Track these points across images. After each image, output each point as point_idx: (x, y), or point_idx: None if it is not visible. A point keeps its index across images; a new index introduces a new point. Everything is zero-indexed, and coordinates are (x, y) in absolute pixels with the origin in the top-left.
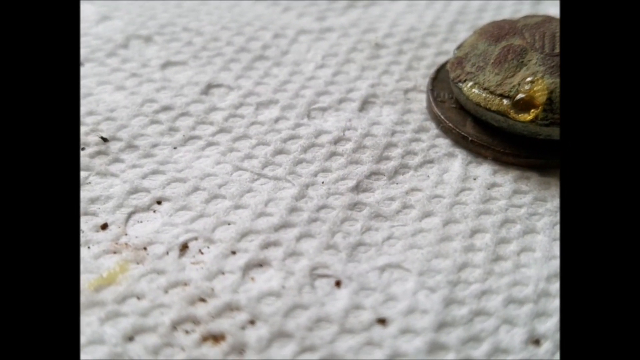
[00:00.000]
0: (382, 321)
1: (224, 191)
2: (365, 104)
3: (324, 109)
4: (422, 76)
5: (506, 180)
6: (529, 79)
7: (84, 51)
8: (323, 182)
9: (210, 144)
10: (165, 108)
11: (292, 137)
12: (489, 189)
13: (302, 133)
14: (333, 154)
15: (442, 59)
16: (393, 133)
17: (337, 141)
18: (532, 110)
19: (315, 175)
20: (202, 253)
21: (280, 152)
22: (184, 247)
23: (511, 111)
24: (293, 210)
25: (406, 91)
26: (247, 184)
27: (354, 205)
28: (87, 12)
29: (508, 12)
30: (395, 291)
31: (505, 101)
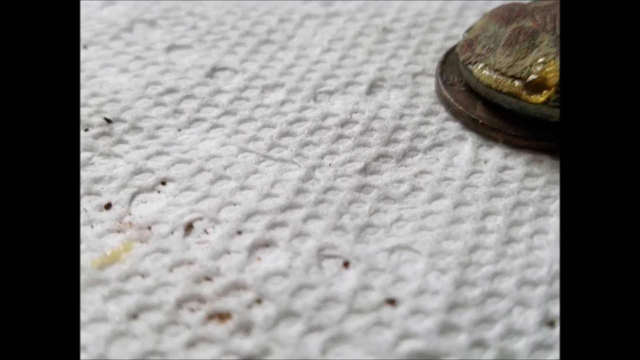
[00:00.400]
0: (391, 302)
1: (229, 172)
2: (372, 88)
3: (330, 92)
4: (430, 60)
5: (518, 163)
6: (541, 59)
7: (87, 34)
8: (330, 164)
9: (215, 126)
10: (170, 90)
11: (298, 120)
12: (500, 172)
13: (308, 116)
14: (340, 137)
15: (450, 44)
16: (401, 116)
17: (344, 124)
18: (545, 92)
19: (322, 157)
20: (207, 233)
21: (286, 134)
22: (189, 227)
23: (523, 92)
24: (299, 191)
25: (414, 75)
26: (252, 165)
27: (362, 187)
28: None
29: None
30: (404, 272)
31: (516, 83)
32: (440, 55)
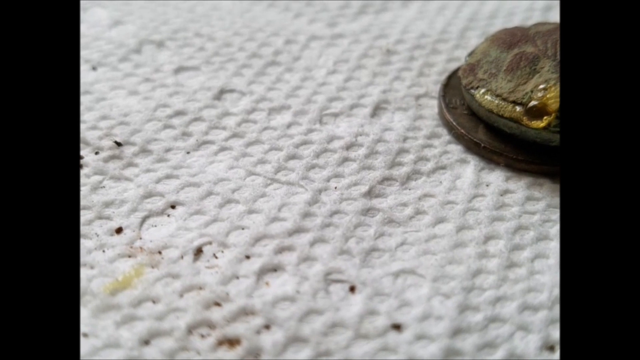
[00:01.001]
0: (397, 327)
1: (238, 196)
2: (376, 110)
3: (335, 115)
4: (433, 82)
5: (519, 186)
6: (542, 86)
7: (96, 55)
8: (336, 187)
9: (223, 149)
10: (179, 113)
11: (305, 143)
12: (501, 195)
13: (314, 138)
14: (345, 160)
15: (453, 66)
16: (405, 139)
17: (349, 147)
18: (545, 118)
19: (328, 180)
20: (216, 257)
21: (292, 157)
22: (199, 252)
23: (524, 118)
24: (306, 215)
25: (418, 97)
26: (260, 188)
27: (367, 211)
28: (100, 16)
29: (518, 19)
30: (409, 297)
31: (518, 108)
32: (443, 77)
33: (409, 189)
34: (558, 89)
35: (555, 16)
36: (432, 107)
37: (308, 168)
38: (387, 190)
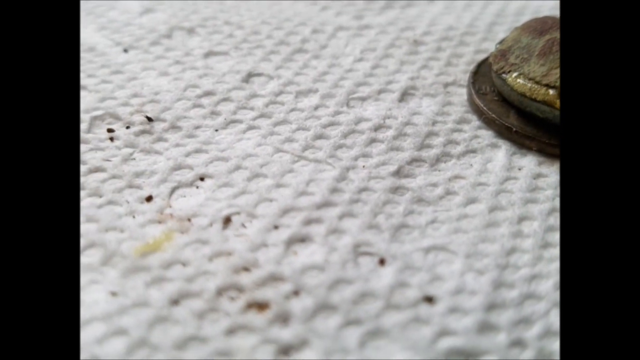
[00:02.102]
0: (429, 299)
1: (266, 170)
2: (404, 95)
3: (363, 99)
4: (462, 72)
5: (552, 171)
6: None
7: (128, 39)
8: (364, 166)
9: (251, 128)
10: (208, 93)
11: (332, 124)
12: (534, 179)
13: (341, 120)
14: (373, 141)
15: (481, 56)
16: (434, 123)
17: (377, 128)
18: None
19: (356, 159)
20: (244, 227)
21: (320, 136)
22: (227, 221)
23: (557, 101)
24: (334, 190)
25: (446, 85)
26: (288, 164)
27: (396, 189)
28: (131, 5)
29: (545, 13)
30: (441, 272)
31: (551, 91)
32: (471, 67)
33: (439, 170)
34: None
35: None
36: (461, 94)
37: (336, 147)
38: (416, 170)
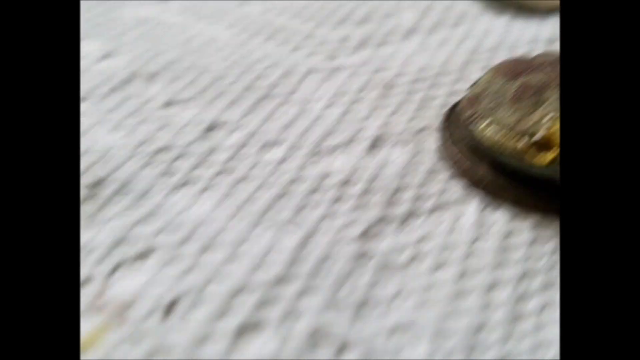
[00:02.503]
0: None
1: (220, 240)
2: (375, 144)
3: (332, 149)
4: (434, 116)
5: (525, 227)
6: (548, 117)
7: (84, 88)
8: (328, 229)
9: (209, 187)
10: (164, 148)
11: (298, 179)
12: (506, 237)
13: (308, 175)
14: (340, 198)
15: (454, 99)
16: (404, 175)
17: (344, 183)
18: (551, 152)
19: (321, 220)
20: (189, 315)
21: (283, 195)
22: (170, 307)
23: (528, 152)
24: (295, 261)
25: (418, 131)
26: (246, 231)
27: (361, 256)
28: (91, 47)
29: (522, 51)
30: (406, 356)
31: (522, 141)
32: (444, 110)
33: (408, 230)
34: None
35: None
36: (433, 141)
37: (299, 208)
38: (384, 231)
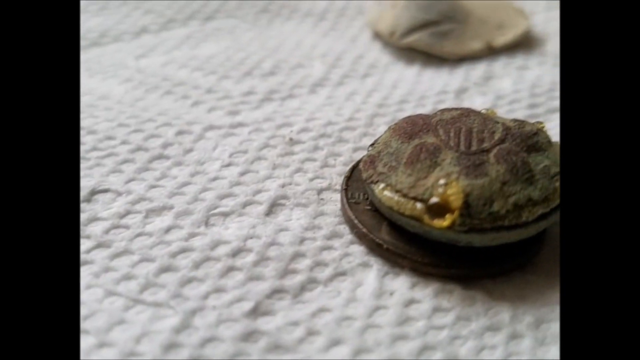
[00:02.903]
0: None
1: (89, 325)
2: (273, 207)
3: (225, 214)
4: (337, 174)
5: (425, 295)
6: (442, 181)
7: None
8: (214, 306)
9: (83, 264)
10: None
11: (184, 250)
12: (406, 306)
13: (195, 245)
14: (230, 269)
15: (359, 155)
16: (302, 241)
17: (236, 253)
18: (448, 215)
19: (206, 297)
20: None
21: (166, 269)
22: None
23: (425, 216)
24: (171, 346)
25: (320, 191)
26: (118, 313)
27: (249, 335)
28: None
29: (431, 102)
30: None
31: (418, 205)
32: (348, 168)
33: (302, 303)
34: (460, 183)
35: (469, 99)
36: (335, 201)
37: (183, 283)
38: (276, 305)
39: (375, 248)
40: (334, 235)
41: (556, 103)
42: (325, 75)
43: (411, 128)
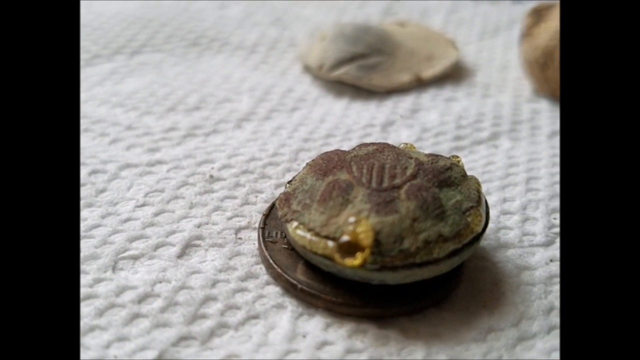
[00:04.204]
0: None
1: None
2: (187, 249)
3: (135, 258)
4: (258, 212)
5: (339, 336)
6: (352, 218)
7: None
8: (116, 356)
9: None
10: None
11: (87, 298)
12: (318, 349)
13: (100, 291)
14: (135, 316)
15: (280, 192)
16: (214, 283)
17: (142, 299)
18: (359, 254)
19: (108, 346)
20: None
21: None
22: None
23: (337, 255)
24: None
25: (238, 230)
26: None
27: None
28: None
29: (357, 136)
30: None
31: (330, 244)
32: (267, 206)
33: (211, 349)
34: (370, 221)
35: (395, 133)
36: (253, 240)
37: (85, 332)
38: (182, 353)
39: (290, 289)
40: (249, 276)
41: (482, 134)
42: (252, 109)
43: (326, 164)
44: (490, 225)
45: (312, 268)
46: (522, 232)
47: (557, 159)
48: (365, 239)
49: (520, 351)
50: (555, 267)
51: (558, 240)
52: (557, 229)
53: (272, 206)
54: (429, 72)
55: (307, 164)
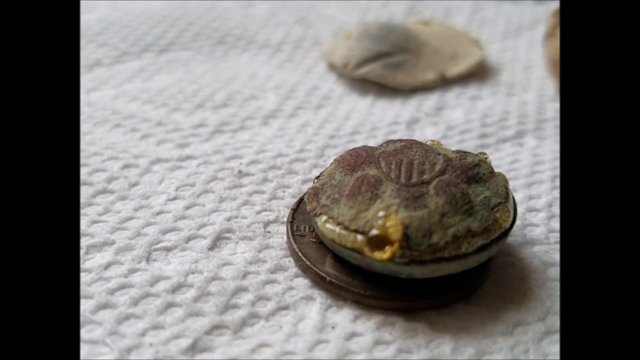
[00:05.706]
0: None
1: None
2: (217, 241)
3: (167, 249)
4: (285, 206)
5: (367, 327)
6: (381, 213)
7: None
8: (151, 344)
9: None
10: None
11: (123, 287)
12: (347, 340)
13: (135, 281)
14: (169, 305)
15: (308, 187)
16: (245, 275)
17: (176, 289)
18: (388, 248)
19: (143, 334)
20: None
21: (104, 306)
22: None
23: (366, 249)
24: None
25: (267, 224)
26: None
27: None
28: None
29: (382, 133)
30: None
31: (359, 237)
32: (295, 201)
33: (243, 338)
34: (400, 215)
35: (420, 131)
36: (281, 234)
37: (120, 320)
38: (216, 341)
39: (319, 281)
40: (278, 269)
41: (507, 133)
42: (278, 106)
43: (354, 160)
44: (517, 222)
45: (340, 261)
46: (548, 229)
47: None
48: (395, 233)
49: (547, 345)
50: None
51: None
52: None
53: (300, 201)
54: (453, 70)
55: (334, 159)
